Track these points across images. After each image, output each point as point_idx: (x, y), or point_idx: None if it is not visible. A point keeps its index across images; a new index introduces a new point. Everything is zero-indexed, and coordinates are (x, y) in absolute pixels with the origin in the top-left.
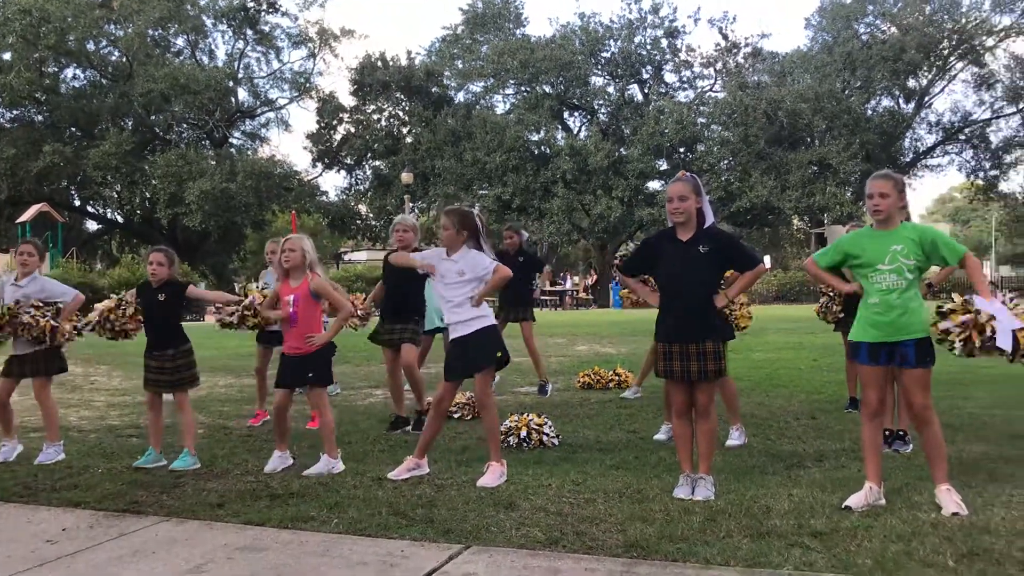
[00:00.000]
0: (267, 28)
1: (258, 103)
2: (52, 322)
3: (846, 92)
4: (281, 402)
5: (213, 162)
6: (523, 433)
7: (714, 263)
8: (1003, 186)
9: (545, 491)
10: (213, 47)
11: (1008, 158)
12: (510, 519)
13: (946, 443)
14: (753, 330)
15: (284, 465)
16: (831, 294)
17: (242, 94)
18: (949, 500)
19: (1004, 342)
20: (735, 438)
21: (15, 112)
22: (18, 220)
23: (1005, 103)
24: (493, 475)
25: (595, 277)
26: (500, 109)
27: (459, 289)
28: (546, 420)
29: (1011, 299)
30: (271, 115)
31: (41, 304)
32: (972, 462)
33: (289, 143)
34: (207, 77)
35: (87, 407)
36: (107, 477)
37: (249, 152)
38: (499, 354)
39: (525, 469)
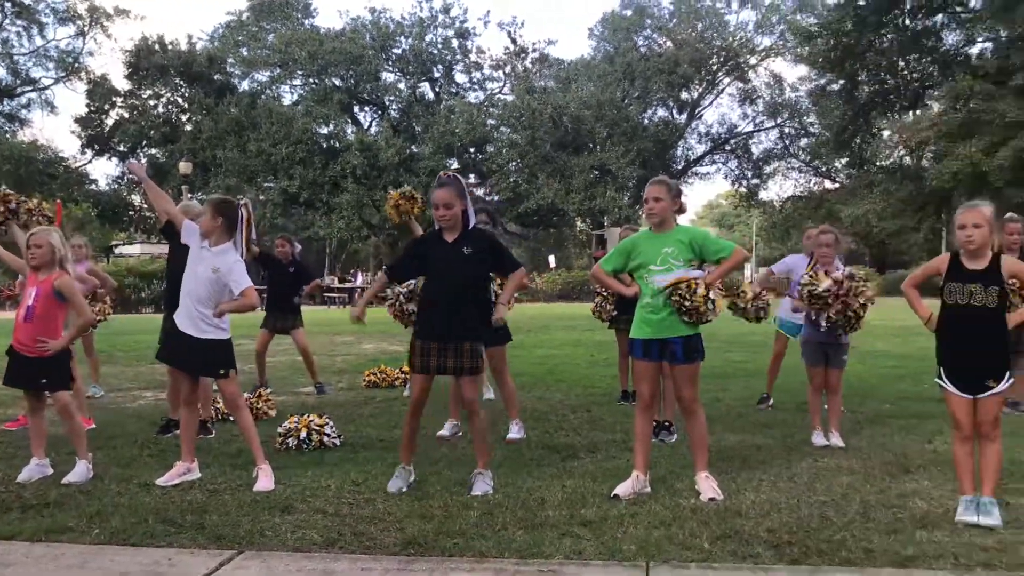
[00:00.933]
0: (28, 1)
1: (18, 82)
2: None
3: (625, 101)
4: (32, 405)
5: None
6: (303, 434)
7: (478, 264)
8: (763, 194)
9: (324, 492)
10: None
11: (767, 169)
12: (286, 522)
13: (708, 433)
14: (535, 327)
15: (42, 474)
16: (605, 294)
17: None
18: (707, 486)
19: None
20: (515, 432)
21: None
22: None
23: (765, 118)
24: (267, 478)
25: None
26: (288, 100)
27: (207, 287)
28: (328, 420)
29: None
30: (33, 95)
31: None
32: (728, 450)
33: (55, 127)
34: None
35: None
36: None
37: (8, 135)
38: (222, 371)
39: (304, 471)
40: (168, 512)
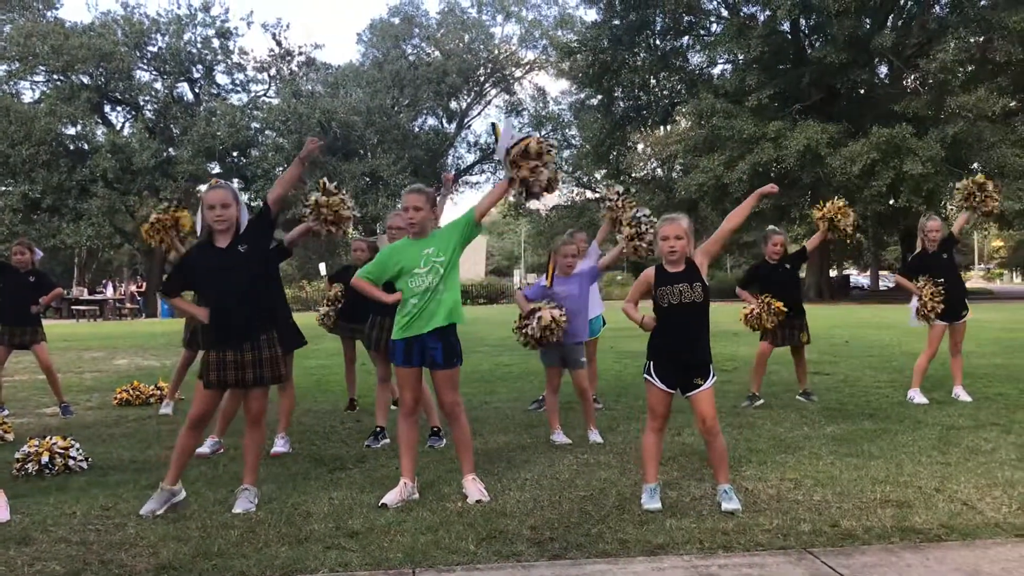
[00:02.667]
0: None
1: None
2: None
3: (396, 108)
4: None
5: None
6: (44, 459)
7: (254, 262)
8: (531, 204)
9: (68, 520)
10: None
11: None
12: (22, 555)
13: (474, 435)
14: (309, 337)
15: None
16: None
17: None
18: (474, 489)
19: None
20: (280, 446)
21: None
22: None
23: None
24: (1, 508)
25: (143, 284)
26: (28, 97)
27: None
28: (73, 442)
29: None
30: None
31: None
32: (495, 451)
33: None
34: None
35: None
36: None
37: None
38: None
39: (46, 498)
40: None
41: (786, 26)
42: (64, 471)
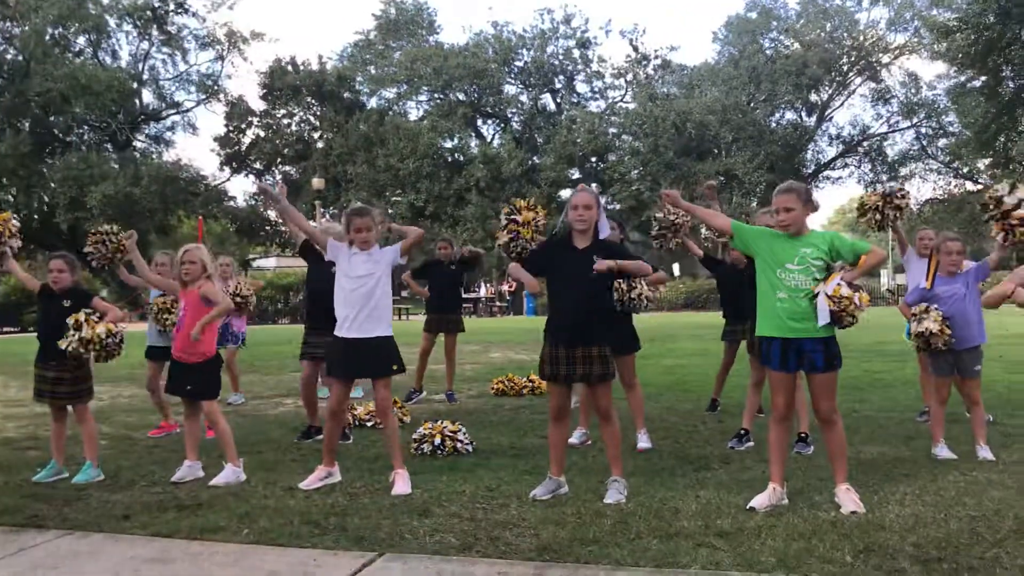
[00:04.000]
0: (174, 29)
1: (163, 105)
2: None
3: (751, 105)
4: (188, 410)
5: (116, 166)
6: (437, 440)
7: (605, 274)
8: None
9: (459, 497)
10: (116, 47)
11: (903, 171)
12: (424, 526)
13: (847, 445)
14: (662, 337)
15: (193, 475)
16: None
17: (147, 96)
18: (848, 499)
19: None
20: (643, 442)
21: None
22: None
23: (900, 118)
24: (404, 482)
25: (511, 285)
26: (413, 115)
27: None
28: (460, 427)
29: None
30: (177, 118)
31: None
32: (869, 462)
33: (196, 146)
34: (109, 77)
35: None
36: (5, 491)
37: (154, 156)
38: (395, 367)
39: (439, 476)
40: (312, 514)
41: None
42: (453, 453)
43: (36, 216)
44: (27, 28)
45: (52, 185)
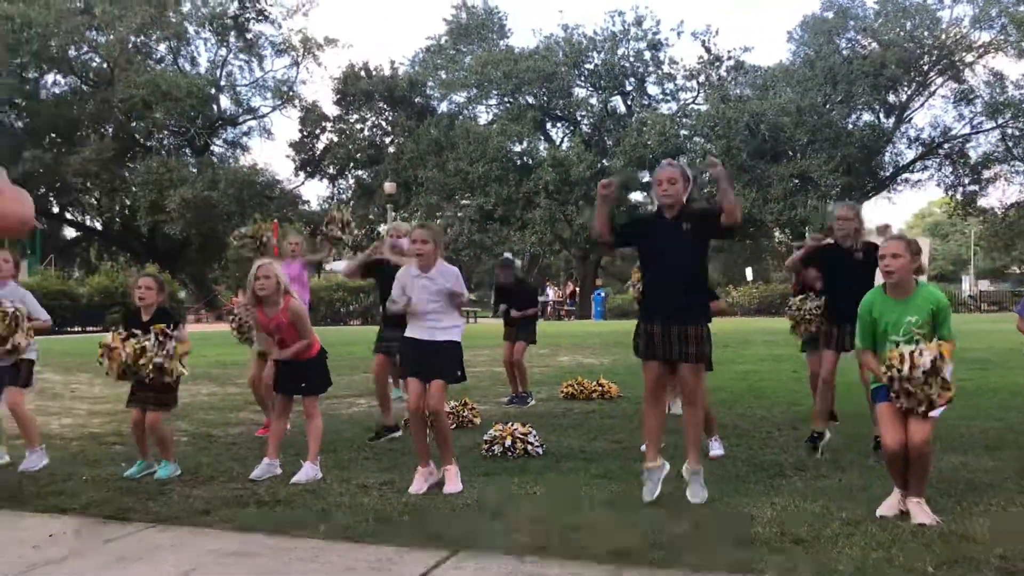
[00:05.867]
0: (251, 36)
1: (240, 111)
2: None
3: (827, 106)
4: (279, 408)
5: (195, 170)
6: (508, 442)
7: (697, 238)
8: (982, 201)
9: (531, 499)
10: (195, 54)
11: (987, 173)
12: (496, 526)
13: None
14: (736, 342)
15: (271, 473)
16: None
17: (224, 102)
18: (919, 511)
19: None
20: (716, 449)
21: None
22: None
23: (984, 118)
24: (455, 480)
25: (575, 288)
26: (483, 119)
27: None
28: (530, 429)
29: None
30: (253, 123)
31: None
32: (950, 471)
33: (271, 151)
34: (189, 84)
35: (68, 415)
36: (91, 484)
37: (231, 160)
38: (459, 372)
39: (511, 477)
40: (386, 512)
41: None
42: (523, 455)
43: (118, 219)
44: (111, 37)
45: (133, 189)
